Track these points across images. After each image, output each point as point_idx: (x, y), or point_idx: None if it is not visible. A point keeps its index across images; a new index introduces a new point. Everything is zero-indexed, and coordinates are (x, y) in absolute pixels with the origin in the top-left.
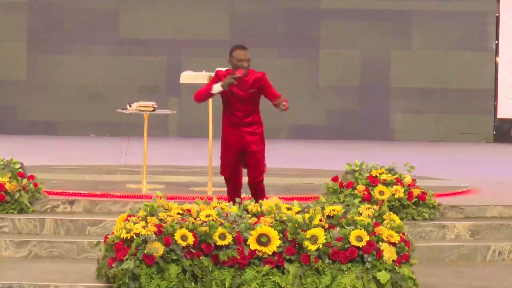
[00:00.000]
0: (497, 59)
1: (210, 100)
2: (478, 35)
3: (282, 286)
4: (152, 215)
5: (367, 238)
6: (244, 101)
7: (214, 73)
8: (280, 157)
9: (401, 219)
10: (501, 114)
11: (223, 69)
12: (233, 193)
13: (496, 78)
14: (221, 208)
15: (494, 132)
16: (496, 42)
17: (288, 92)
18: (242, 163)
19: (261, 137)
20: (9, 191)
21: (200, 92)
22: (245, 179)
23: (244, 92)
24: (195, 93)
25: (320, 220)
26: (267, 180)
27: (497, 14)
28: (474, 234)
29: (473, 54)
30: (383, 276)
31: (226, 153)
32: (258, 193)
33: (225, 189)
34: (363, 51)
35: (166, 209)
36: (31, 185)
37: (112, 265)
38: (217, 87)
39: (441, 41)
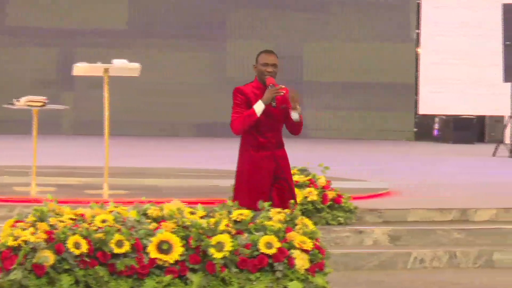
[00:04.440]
0: (418, 50)
1: (106, 94)
2: (398, 25)
3: None
4: (42, 220)
5: (278, 245)
6: (276, 119)
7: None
8: (184, 156)
9: (315, 224)
10: (422, 110)
11: (242, 85)
12: None
13: (417, 70)
14: (118, 212)
15: (415, 130)
16: (417, 31)
17: (193, 87)
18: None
19: (288, 160)
20: None
21: (243, 123)
22: None
23: (276, 109)
24: (234, 126)
25: (227, 226)
26: (168, 182)
27: (419, 2)
28: (394, 240)
29: (392, 45)
30: (295, 286)
31: (259, 182)
32: None
33: (123, 191)
34: (275, 42)
35: (57, 214)
36: None
37: None
38: (261, 108)
39: (358, 31)
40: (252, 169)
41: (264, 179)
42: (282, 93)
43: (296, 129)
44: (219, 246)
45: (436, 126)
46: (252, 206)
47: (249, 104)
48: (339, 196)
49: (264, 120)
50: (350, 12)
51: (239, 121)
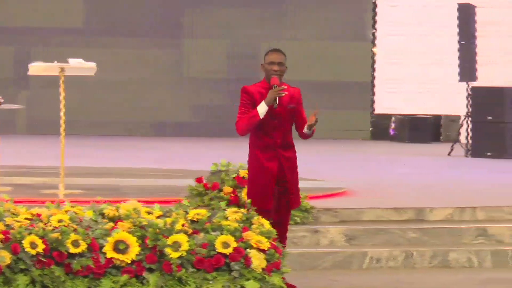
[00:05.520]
0: (374, 49)
1: (62, 93)
2: (354, 24)
3: None
4: None
5: (235, 244)
6: (282, 119)
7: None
8: (140, 156)
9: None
10: (378, 110)
11: (249, 85)
12: (276, 230)
13: (373, 70)
14: (75, 212)
15: (371, 129)
16: (373, 31)
17: (150, 86)
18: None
19: (296, 163)
20: None
21: (246, 124)
22: None
23: (283, 108)
24: (238, 127)
25: (183, 225)
26: (124, 182)
27: (374, 1)
28: (349, 240)
29: (348, 44)
30: (252, 286)
31: (265, 182)
32: (282, 229)
33: (79, 191)
34: (231, 40)
35: (13, 214)
36: None
37: None
38: (264, 109)
39: (314, 30)
40: (256, 169)
41: (267, 179)
42: (283, 94)
43: (304, 136)
44: (176, 246)
45: (392, 125)
46: (256, 206)
47: (255, 104)
48: None
49: (269, 121)
50: (306, 10)
51: (243, 122)
